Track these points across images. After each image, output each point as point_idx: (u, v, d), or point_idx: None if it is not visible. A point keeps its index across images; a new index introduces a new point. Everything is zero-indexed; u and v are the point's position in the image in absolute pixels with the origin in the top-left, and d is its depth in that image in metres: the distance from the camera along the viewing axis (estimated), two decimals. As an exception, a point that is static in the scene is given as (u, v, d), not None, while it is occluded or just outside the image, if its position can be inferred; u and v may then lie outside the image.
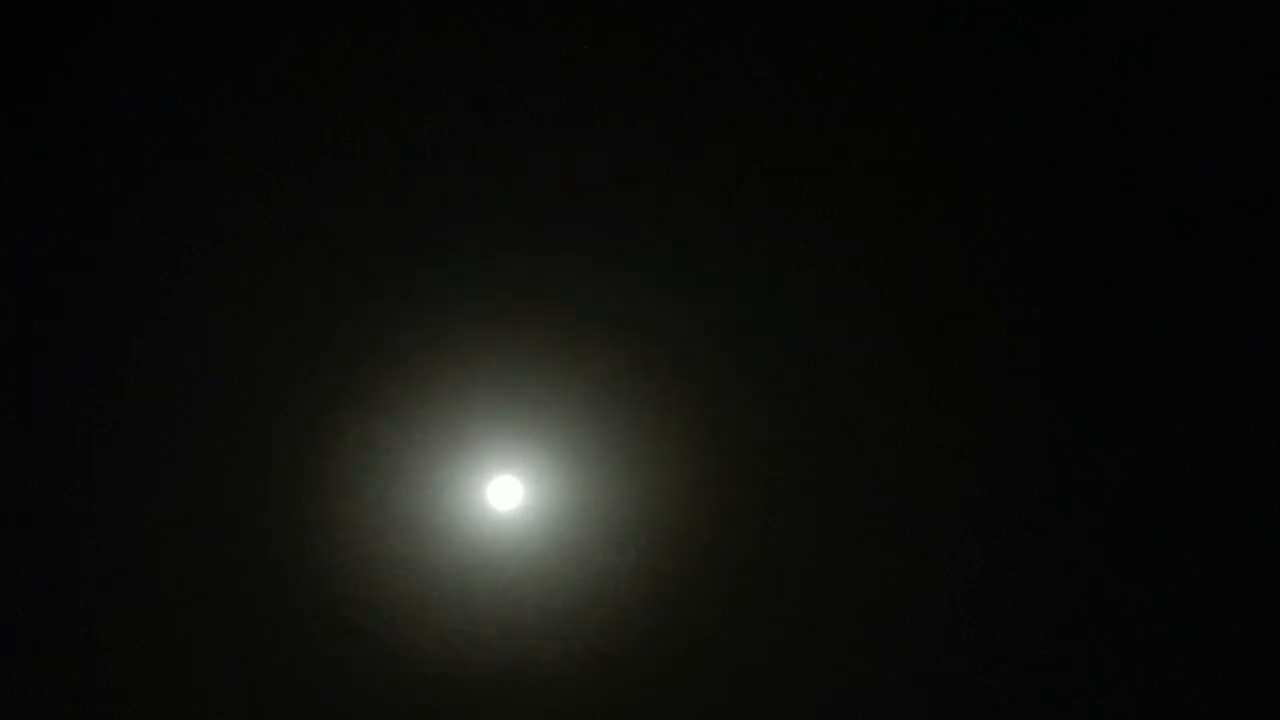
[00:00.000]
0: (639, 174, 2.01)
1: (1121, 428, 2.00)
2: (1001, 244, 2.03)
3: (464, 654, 1.91)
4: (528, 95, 1.99)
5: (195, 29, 2.01)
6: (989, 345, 2.01)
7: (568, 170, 2.00)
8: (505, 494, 1.95)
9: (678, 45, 2.04)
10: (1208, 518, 1.99)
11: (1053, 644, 1.95)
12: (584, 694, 1.91)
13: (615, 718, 1.91)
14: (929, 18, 2.07)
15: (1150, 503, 1.99)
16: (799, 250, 1.99)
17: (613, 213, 2.01)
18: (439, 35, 2.01)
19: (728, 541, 1.95)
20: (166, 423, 1.96)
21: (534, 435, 1.97)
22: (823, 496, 1.97)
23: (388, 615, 1.92)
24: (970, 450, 1.96)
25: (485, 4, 2.02)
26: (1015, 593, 1.96)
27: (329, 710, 1.90)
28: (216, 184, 1.99)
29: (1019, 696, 1.94)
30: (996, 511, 1.97)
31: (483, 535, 1.95)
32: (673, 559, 1.94)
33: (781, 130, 2.00)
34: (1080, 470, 1.99)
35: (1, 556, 1.92)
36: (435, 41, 2.00)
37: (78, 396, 1.95)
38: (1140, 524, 1.99)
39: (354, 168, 1.99)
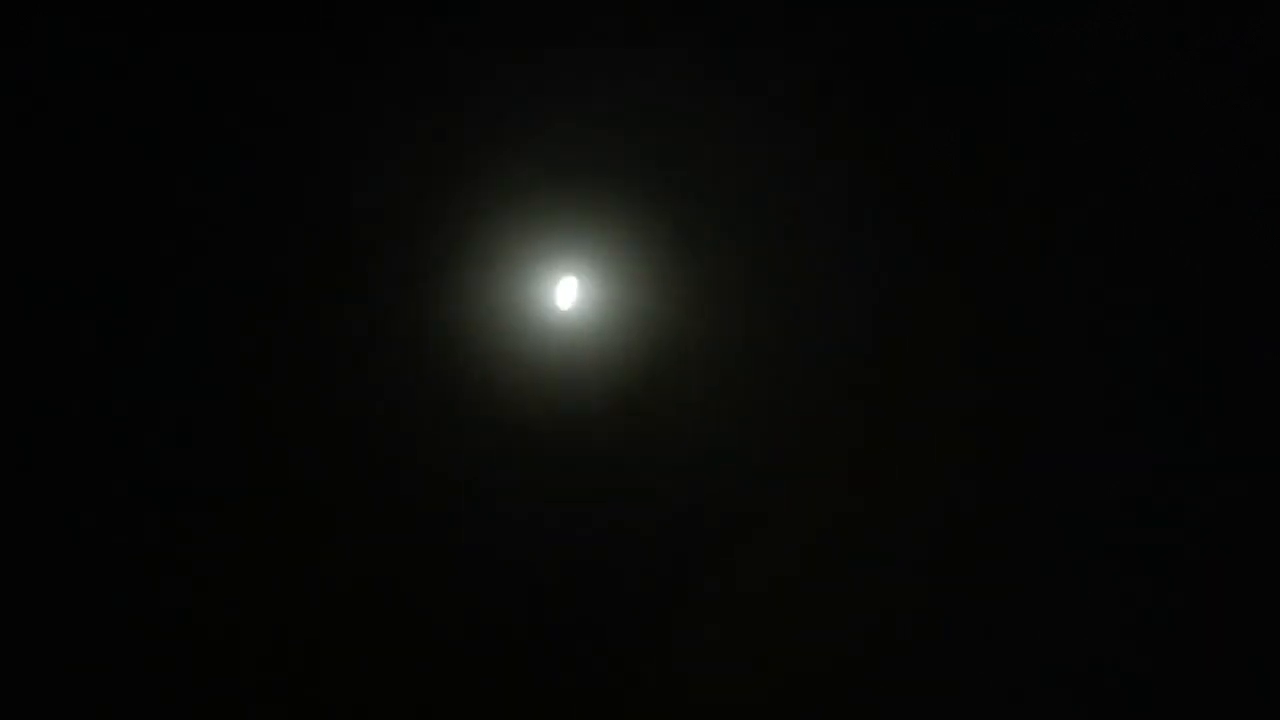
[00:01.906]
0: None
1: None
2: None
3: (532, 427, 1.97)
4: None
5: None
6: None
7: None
8: (568, 294, 2.03)
9: None
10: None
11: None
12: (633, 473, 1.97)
13: (663, 493, 1.95)
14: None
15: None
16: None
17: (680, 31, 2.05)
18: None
19: (771, 339, 1.98)
20: (250, 223, 2.01)
21: (594, 243, 2.02)
22: (881, 294, 2.00)
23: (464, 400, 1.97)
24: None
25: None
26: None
27: (400, 495, 1.96)
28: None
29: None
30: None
31: (548, 329, 2.01)
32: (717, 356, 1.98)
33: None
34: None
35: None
36: None
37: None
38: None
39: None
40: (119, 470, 1.94)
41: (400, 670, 1.91)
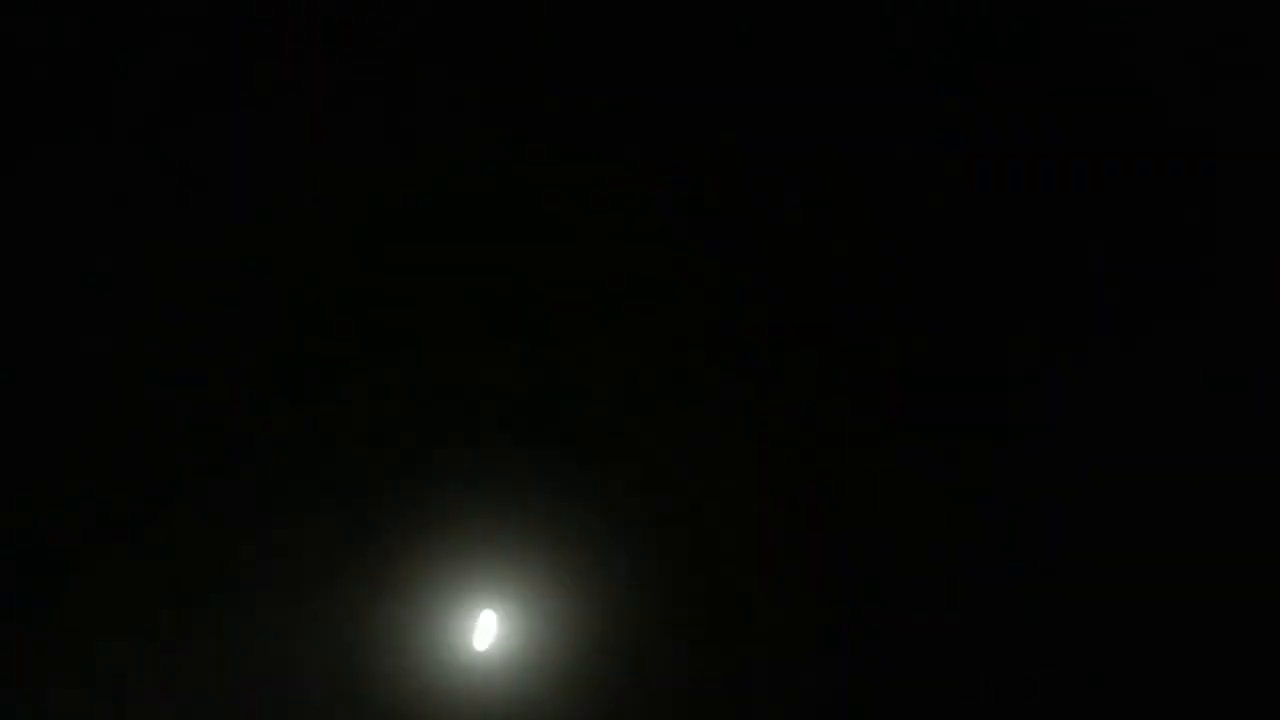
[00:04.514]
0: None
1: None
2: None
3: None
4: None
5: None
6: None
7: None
8: (486, 631, 1.98)
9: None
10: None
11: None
12: None
13: None
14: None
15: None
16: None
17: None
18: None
19: (701, 667, 1.96)
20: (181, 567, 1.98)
21: (511, 576, 1.99)
22: (809, 625, 1.99)
23: None
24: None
25: None
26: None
27: None
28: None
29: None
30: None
31: (466, 671, 1.97)
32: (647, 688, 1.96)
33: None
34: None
35: None
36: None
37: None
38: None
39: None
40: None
41: None
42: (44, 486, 1.95)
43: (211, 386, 1.98)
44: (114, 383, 1.97)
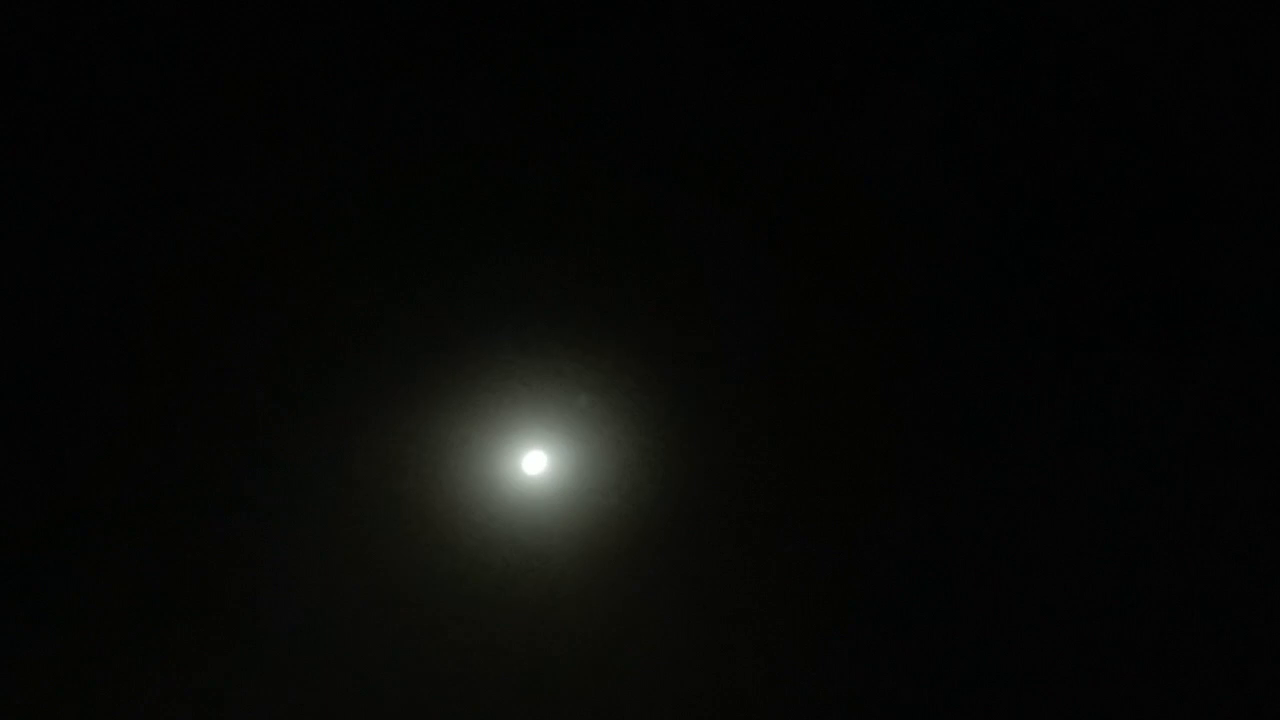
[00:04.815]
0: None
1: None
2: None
3: (495, 615, 1.95)
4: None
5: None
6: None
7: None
8: (535, 464, 2.01)
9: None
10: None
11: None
12: (606, 653, 1.94)
13: (638, 675, 1.94)
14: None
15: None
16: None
17: (637, 197, 2.03)
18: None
19: (741, 512, 1.97)
20: (213, 395, 1.98)
21: (562, 413, 1.99)
22: (837, 465, 1.99)
23: (428, 577, 1.94)
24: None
25: None
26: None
27: (360, 670, 1.92)
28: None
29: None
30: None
31: (515, 501, 1.97)
32: (690, 527, 1.97)
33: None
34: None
35: None
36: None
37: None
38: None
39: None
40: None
41: None
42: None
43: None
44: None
